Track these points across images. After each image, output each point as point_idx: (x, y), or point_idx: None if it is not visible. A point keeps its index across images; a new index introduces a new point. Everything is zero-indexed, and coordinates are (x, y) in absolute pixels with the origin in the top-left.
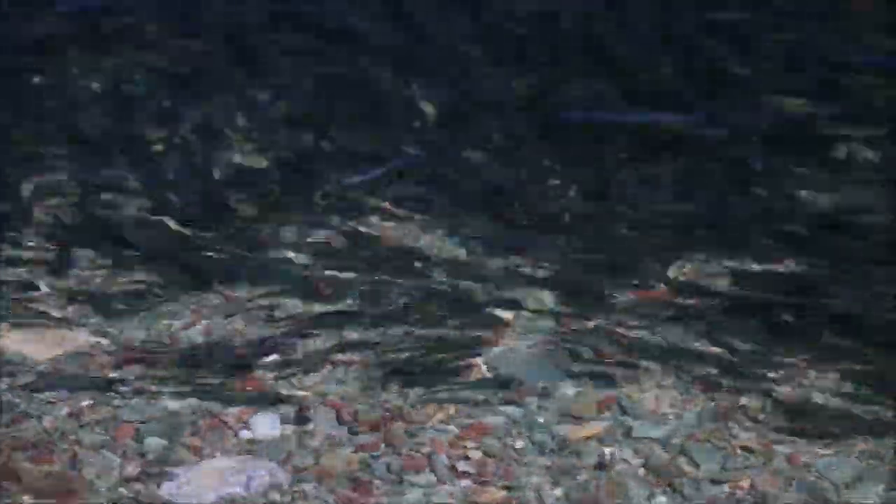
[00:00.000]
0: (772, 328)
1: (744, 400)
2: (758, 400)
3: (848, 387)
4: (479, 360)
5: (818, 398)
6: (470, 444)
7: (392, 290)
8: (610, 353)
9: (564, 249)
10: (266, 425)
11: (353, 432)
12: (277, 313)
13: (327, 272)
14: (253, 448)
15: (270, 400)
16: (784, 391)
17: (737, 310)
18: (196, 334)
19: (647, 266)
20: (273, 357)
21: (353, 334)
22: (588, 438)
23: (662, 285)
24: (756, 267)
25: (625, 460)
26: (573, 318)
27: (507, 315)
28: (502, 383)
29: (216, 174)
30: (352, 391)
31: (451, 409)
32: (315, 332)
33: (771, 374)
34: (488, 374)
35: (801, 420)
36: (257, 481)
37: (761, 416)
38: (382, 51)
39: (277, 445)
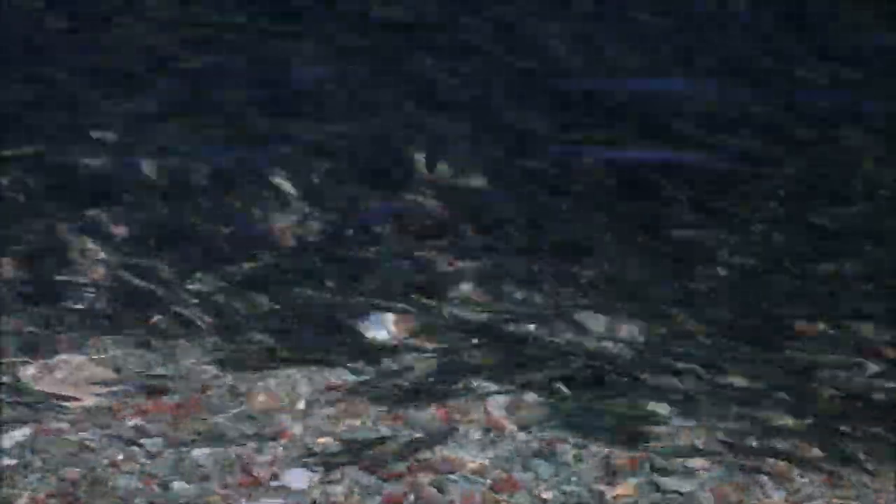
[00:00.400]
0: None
1: (772, 459)
2: (787, 458)
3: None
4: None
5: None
6: (502, 497)
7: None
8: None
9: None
10: (296, 474)
11: (381, 480)
12: None
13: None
14: (284, 497)
15: (300, 450)
16: (811, 452)
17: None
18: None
19: None
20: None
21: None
22: (620, 496)
23: None
24: None
25: None
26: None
27: None
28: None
29: None
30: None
31: (484, 461)
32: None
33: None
34: (518, 429)
35: (833, 479)
36: None
37: (792, 475)
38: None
39: (306, 494)
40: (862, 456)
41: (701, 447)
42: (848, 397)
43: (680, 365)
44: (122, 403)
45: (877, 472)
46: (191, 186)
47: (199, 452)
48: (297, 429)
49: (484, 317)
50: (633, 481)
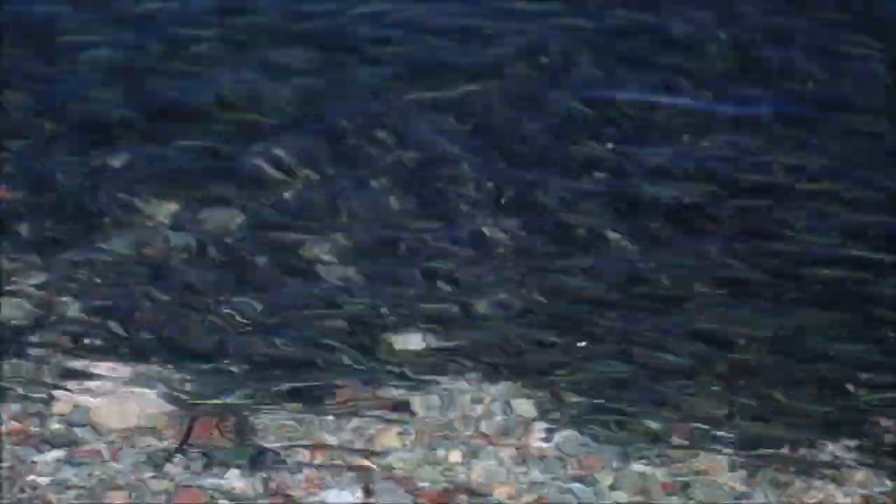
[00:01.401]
0: None
1: (815, 482)
2: (829, 482)
3: None
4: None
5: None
6: None
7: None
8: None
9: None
10: (335, 497)
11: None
12: None
13: None
14: None
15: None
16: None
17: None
18: None
19: None
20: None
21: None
22: None
23: None
24: None
25: None
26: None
27: None
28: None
29: None
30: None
31: (519, 485)
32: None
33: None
34: (553, 450)
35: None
36: None
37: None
38: None
39: None
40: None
41: None
42: None
43: None
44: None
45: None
46: None
47: None
48: None
49: None
50: None
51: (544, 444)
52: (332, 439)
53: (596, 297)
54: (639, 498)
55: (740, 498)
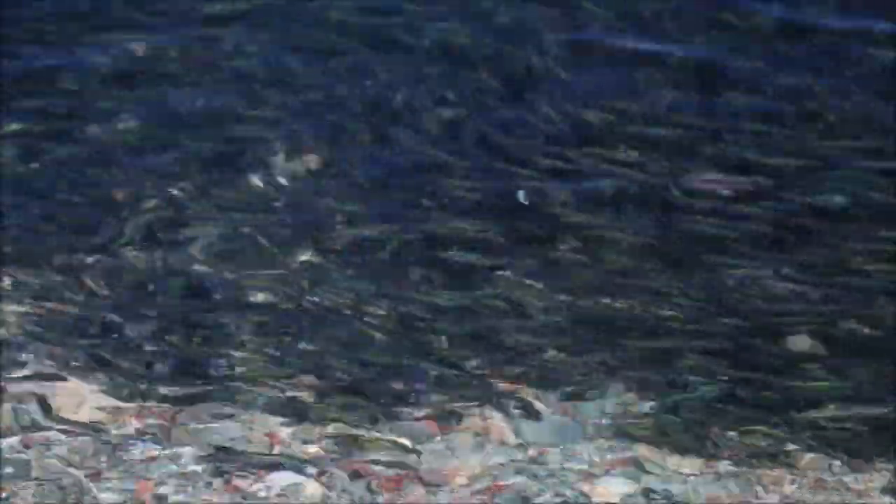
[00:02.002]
0: None
1: (768, 464)
2: (782, 465)
3: None
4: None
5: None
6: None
7: None
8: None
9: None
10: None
11: (371, 491)
12: None
13: None
14: None
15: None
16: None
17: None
18: None
19: None
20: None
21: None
22: (608, 499)
23: None
24: None
25: None
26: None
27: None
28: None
29: None
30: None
31: (475, 470)
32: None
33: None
34: (512, 436)
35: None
36: None
37: (786, 480)
38: None
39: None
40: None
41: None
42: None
43: None
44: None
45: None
46: None
47: None
48: None
49: None
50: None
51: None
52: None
53: None
54: None
55: None
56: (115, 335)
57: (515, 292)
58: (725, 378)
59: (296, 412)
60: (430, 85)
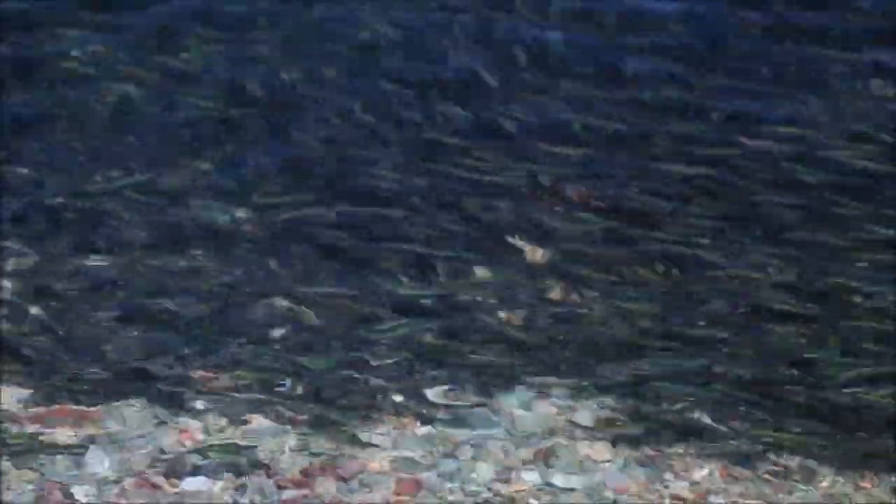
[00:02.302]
0: None
1: (675, 450)
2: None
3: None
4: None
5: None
6: (405, 498)
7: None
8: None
9: None
10: (195, 480)
11: (280, 487)
12: None
13: None
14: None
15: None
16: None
17: None
18: None
19: None
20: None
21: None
22: (519, 491)
23: None
24: None
25: None
26: None
27: None
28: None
29: None
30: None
31: (386, 463)
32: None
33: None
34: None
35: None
36: None
37: (690, 465)
38: None
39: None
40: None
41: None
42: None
43: None
44: None
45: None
46: None
47: None
48: None
49: None
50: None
51: None
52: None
53: None
54: None
55: None
56: None
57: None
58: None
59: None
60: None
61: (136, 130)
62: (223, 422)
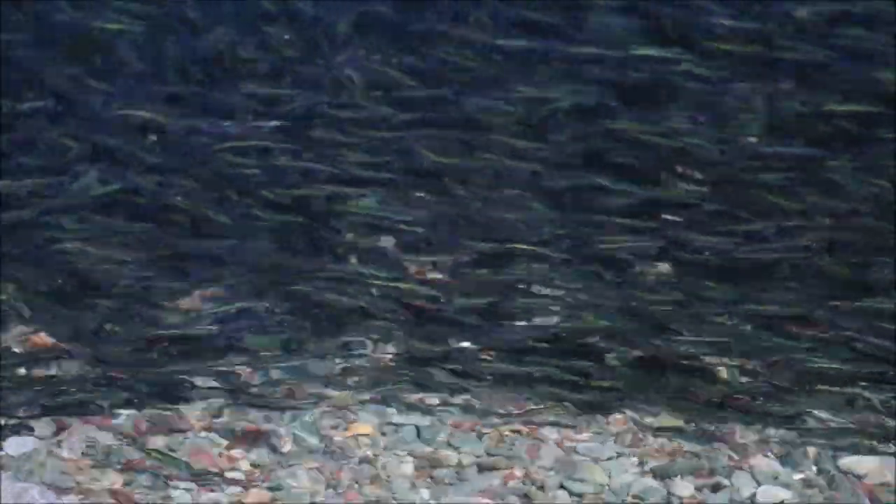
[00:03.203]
0: None
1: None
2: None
3: None
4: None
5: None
6: (237, 451)
7: None
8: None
9: None
10: (18, 442)
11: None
12: None
13: None
14: (4, 465)
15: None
16: None
17: None
18: None
19: None
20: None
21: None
22: (355, 436)
23: None
24: None
25: (393, 454)
26: None
27: None
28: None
29: None
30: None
31: (220, 418)
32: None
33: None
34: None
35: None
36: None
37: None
38: None
39: (30, 461)
40: None
41: None
42: None
43: None
44: None
45: None
46: None
47: None
48: None
49: None
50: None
51: None
52: None
53: None
54: None
55: None
56: None
57: None
58: None
59: None
60: None
61: None
62: None
